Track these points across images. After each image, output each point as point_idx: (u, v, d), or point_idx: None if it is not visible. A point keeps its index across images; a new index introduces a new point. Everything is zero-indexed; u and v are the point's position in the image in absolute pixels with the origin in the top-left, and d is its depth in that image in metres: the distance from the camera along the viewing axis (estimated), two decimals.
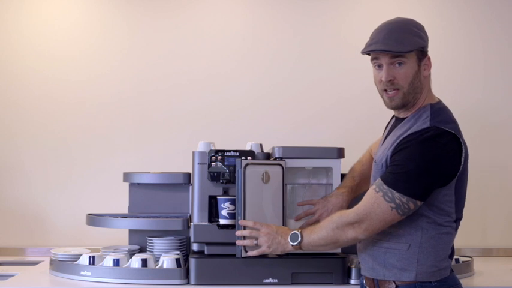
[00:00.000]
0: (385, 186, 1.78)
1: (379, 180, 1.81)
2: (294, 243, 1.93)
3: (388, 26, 1.87)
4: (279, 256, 2.28)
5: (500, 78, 3.23)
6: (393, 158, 1.81)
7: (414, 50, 1.83)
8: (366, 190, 1.91)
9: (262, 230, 2.02)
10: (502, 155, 3.22)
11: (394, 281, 1.83)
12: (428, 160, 1.75)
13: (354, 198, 2.18)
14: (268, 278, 2.26)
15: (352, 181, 2.23)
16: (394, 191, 1.76)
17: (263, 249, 2.01)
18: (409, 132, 1.81)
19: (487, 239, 3.16)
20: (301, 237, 1.92)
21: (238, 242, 2.07)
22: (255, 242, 2.03)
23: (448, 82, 3.14)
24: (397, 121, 1.96)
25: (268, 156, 2.43)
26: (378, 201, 1.78)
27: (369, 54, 1.90)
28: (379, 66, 1.87)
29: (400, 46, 1.81)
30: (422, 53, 1.86)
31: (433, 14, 3.23)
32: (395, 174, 1.78)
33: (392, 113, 2.01)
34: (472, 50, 3.23)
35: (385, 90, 1.87)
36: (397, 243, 1.83)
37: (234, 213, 2.22)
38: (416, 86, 1.85)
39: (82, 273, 2.33)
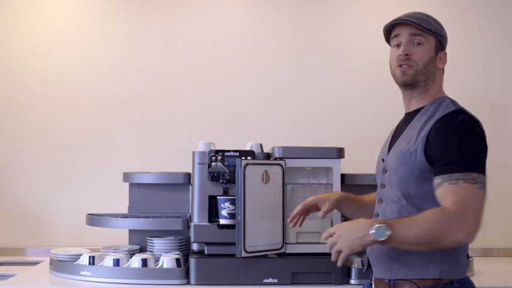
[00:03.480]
0: (457, 174, 1.67)
1: (444, 176, 1.69)
2: (382, 238, 1.65)
3: (413, 11, 1.93)
4: (279, 256, 2.28)
5: (500, 78, 3.23)
6: (438, 145, 1.73)
7: (434, 35, 1.87)
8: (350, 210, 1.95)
9: (336, 233, 1.74)
10: (502, 155, 3.22)
11: (414, 282, 1.76)
12: (474, 138, 1.73)
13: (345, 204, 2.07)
14: (268, 278, 2.26)
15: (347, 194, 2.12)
16: (471, 173, 1.67)
17: (346, 252, 1.71)
18: (436, 117, 1.78)
19: (487, 239, 3.15)
20: (390, 231, 1.65)
21: (334, 258, 1.75)
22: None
23: (447, 82, 3.12)
24: (408, 116, 1.92)
25: (268, 156, 2.43)
26: (466, 188, 1.65)
27: (387, 41, 1.95)
28: (398, 45, 1.89)
29: (424, 23, 1.86)
30: (440, 44, 1.90)
31: (433, 14, 3.19)
32: (460, 158, 1.69)
33: (393, 114, 2.00)
34: (472, 50, 3.23)
35: (400, 66, 1.87)
36: None
37: (234, 213, 2.22)
38: (430, 71, 1.87)
39: (82, 273, 2.33)
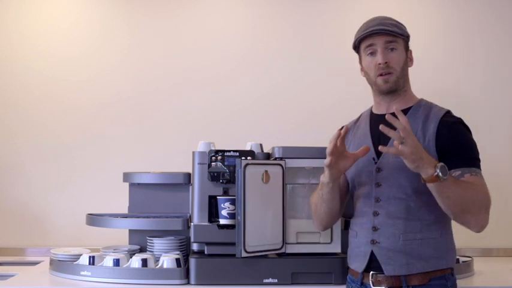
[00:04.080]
0: (474, 169, 1.80)
1: (464, 168, 1.79)
2: (444, 178, 1.67)
3: (378, 16, 1.98)
4: (279, 256, 2.28)
5: (500, 78, 3.23)
6: (455, 140, 1.83)
7: (404, 37, 1.94)
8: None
9: (410, 137, 1.67)
10: (502, 155, 3.21)
11: (428, 273, 1.82)
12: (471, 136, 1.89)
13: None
14: (268, 278, 2.26)
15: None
16: (479, 170, 1.82)
17: (404, 150, 1.66)
18: (436, 115, 1.87)
19: (487, 239, 3.15)
20: (447, 177, 1.69)
21: (383, 128, 1.68)
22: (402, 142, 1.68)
23: (447, 82, 3.14)
24: (382, 116, 1.87)
25: (268, 156, 2.43)
26: (483, 183, 1.79)
27: (356, 49, 2.01)
28: (372, 53, 1.93)
29: (396, 28, 1.91)
30: (407, 44, 1.97)
31: (433, 14, 3.23)
32: (472, 155, 1.83)
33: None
34: (472, 50, 3.23)
35: (380, 75, 1.92)
36: (430, 232, 1.84)
37: (234, 213, 2.22)
38: (405, 73, 1.96)
39: (82, 273, 2.33)
